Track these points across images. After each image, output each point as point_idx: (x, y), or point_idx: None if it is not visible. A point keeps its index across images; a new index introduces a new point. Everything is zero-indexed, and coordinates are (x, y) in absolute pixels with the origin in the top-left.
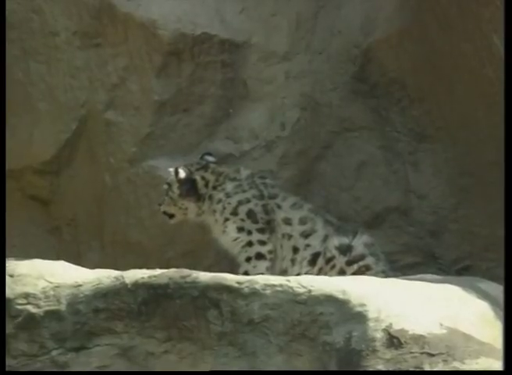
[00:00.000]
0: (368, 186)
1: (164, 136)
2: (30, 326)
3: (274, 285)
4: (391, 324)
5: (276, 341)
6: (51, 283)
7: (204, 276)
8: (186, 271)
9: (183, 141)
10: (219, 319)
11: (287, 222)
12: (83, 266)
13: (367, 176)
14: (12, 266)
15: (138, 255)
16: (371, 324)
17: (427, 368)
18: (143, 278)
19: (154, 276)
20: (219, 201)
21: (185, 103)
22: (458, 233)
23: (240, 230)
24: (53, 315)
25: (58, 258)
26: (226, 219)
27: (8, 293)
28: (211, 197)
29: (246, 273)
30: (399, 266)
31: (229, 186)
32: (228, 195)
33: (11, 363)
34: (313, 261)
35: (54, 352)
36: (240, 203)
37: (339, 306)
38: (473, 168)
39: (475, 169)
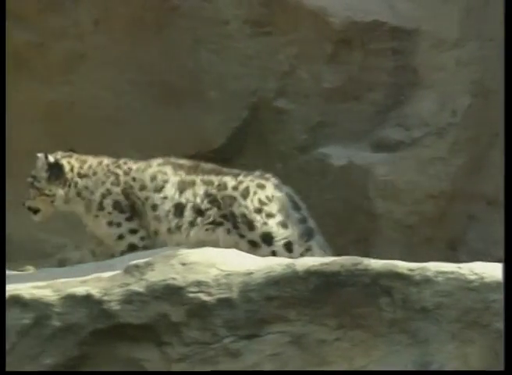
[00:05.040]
0: None
1: (334, 123)
2: (202, 314)
3: (446, 272)
4: None
5: (449, 328)
6: (222, 271)
7: (376, 264)
8: (357, 258)
9: (354, 128)
10: (391, 306)
11: (142, 188)
12: None
13: None
14: (184, 254)
15: None
16: None
17: None
18: (314, 266)
19: (326, 264)
20: (84, 197)
21: (355, 91)
22: None
23: (110, 224)
24: (225, 303)
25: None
26: (96, 216)
27: (180, 281)
28: (76, 184)
29: None
30: None
31: (90, 182)
32: (92, 192)
33: (184, 351)
34: (179, 212)
35: (226, 340)
36: (103, 197)
37: None
38: None
39: None
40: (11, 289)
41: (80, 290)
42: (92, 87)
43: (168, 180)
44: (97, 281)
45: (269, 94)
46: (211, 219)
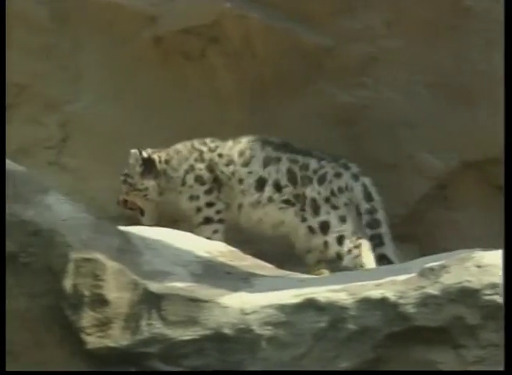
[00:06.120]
0: None
1: None
2: (498, 316)
3: None
4: None
5: None
6: None
7: None
8: None
9: None
10: None
11: (228, 163)
12: None
13: None
14: (479, 256)
15: None
16: None
17: None
18: None
19: None
20: (171, 178)
21: None
22: None
23: (191, 198)
24: None
25: None
26: (180, 192)
27: (476, 283)
28: (165, 171)
29: None
30: None
31: (175, 161)
32: (176, 170)
33: (479, 353)
34: (260, 186)
35: None
36: (186, 172)
37: None
38: None
39: None
40: (306, 292)
41: (375, 293)
42: (385, 90)
43: (255, 155)
44: (391, 284)
45: None
46: (285, 197)
